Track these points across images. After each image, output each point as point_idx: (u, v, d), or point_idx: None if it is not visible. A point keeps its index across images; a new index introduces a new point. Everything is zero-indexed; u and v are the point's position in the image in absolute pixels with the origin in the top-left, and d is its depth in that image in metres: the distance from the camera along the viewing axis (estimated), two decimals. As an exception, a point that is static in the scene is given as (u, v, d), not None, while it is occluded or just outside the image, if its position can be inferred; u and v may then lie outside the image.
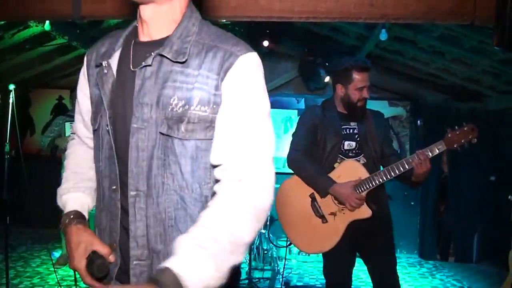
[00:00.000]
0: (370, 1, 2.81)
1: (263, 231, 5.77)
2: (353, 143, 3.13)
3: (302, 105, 7.23)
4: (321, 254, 3.20)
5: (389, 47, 5.72)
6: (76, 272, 1.42)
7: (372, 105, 3.31)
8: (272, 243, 6.16)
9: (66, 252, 5.40)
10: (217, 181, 1.35)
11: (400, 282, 3.16)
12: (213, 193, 1.34)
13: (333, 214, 3.06)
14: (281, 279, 5.33)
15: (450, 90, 6.62)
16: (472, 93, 6.39)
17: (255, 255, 5.66)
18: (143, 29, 1.43)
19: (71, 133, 1.81)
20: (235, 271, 1.39)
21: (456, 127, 2.88)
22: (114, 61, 1.45)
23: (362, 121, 3.17)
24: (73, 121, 5.52)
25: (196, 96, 1.33)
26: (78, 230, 1.45)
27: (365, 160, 3.12)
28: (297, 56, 6.79)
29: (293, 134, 3.27)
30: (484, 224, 6.49)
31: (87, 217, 1.55)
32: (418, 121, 6.83)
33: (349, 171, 3.05)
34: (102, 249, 1.39)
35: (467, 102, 6.52)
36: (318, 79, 6.52)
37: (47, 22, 4.59)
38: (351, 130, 3.15)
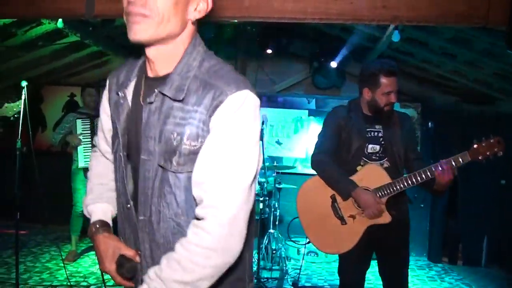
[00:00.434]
0: (383, 3, 2.80)
1: (271, 231, 5.78)
2: (377, 147, 3.09)
3: (313, 105, 7.21)
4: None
5: (401, 48, 5.69)
6: (104, 274, 1.62)
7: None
8: (292, 240, 6.23)
9: (72, 252, 5.36)
10: None
11: (409, 285, 3.16)
12: None
13: (353, 216, 3.05)
14: (294, 278, 5.33)
15: (461, 93, 6.58)
16: (482, 96, 6.34)
17: (263, 254, 5.66)
18: (150, 66, 1.52)
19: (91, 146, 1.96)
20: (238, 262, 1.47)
21: (483, 138, 2.82)
22: (129, 91, 1.56)
23: (388, 125, 3.12)
24: (84, 117, 5.54)
25: (187, 130, 1.41)
26: (104, 238, 1.64)
27: (389, 164, 3.08)
28: (308, 56, 6.79)
29: (318, 135, 3.24)
30: (493, 228, 6.44)
31: (111, 224, 1.73)
32: (429, 123, 6.80)
33: (371, 176, 3.03)
34: (129, 252, 1.56)
35: (477, 104, 6.48)
36: (330, 79, 6.52)
37: (60, 19, 4.61)
38: (375, 133, 3.11)
